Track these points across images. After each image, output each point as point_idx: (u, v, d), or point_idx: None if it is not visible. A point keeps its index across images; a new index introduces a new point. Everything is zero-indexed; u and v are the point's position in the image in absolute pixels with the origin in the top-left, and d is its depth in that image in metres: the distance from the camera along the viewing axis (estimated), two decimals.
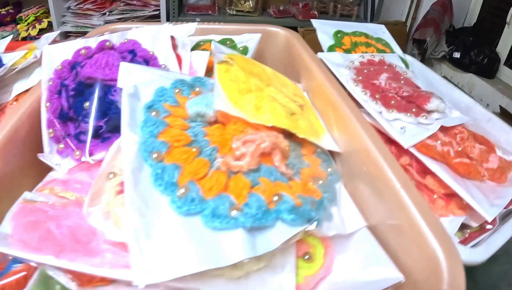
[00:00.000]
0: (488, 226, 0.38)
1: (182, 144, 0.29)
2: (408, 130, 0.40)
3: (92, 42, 0.42)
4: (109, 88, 0.36)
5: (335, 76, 0.45)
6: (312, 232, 0.28)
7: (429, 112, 0.43)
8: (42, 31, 1.53)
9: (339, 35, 0.50)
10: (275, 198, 0.26)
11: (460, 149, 0.42)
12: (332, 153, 0.36)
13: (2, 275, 0.25)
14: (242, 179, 0.27)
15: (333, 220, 0.29)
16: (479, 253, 0.32)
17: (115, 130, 0.34)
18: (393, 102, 0.43)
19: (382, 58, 0.50)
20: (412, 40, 1.48)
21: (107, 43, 0.42)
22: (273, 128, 0.31)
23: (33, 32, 1.51)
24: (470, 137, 0.44)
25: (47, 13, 1.56)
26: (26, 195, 0.29)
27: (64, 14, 1.55)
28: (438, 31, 1.40)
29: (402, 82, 0.47)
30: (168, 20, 1.56)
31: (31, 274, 0.25)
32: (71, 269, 0.23)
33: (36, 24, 1.54)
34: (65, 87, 0.38)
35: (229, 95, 0.32)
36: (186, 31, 0.45)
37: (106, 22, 1.48)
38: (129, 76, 0.34)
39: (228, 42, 0.48)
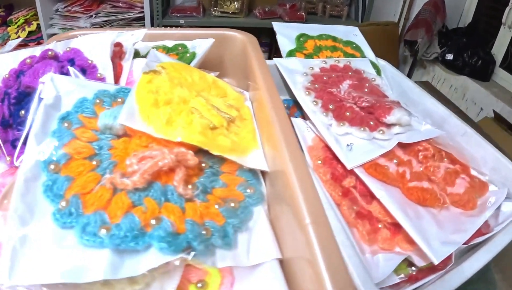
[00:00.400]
0: (440, 265, 0.34)
1: (83, 156, 0.28)
2: (356, 147, 0.36)
3: (38, 51, 0.42)
4: None
5: (289, 84, 0.42)
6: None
7: (389, 125, 0.39)
8: (31, 34, 1.54)
9: (301, 39, 0.47)
10: (153, 221, 0.24)
11: (421, 169, 0.37)
12: (264, 173, 0.33)
13: None
14: (122, 198, 0.25)
15: (232, 249, 0.26)
16: None
17: None
18: (348, 113, 0.38)
19: (348, 63, 0.45)
20: (404, 41, 1.40)
21: (49, 52, 0.41)
22: (184, 145, 0.29)
23: (22, 35, 1.53)
24: (436, 155, 0.39)
25: (36, 15, 1.55)
26: None
27: (52, 16, 1.54)
28: (429, 32, 1.29)
29: (366, 90, 0.42)
30: (152, 22, 1.53)
31: None
32: None
33: (26, 27, 1.55)
34: (8, 95, 0.38)
35: (141, 107, 0.31)
36: (133, 38, 0.44)
37: (93, 25, 1.49)
38: (53, 87, 0.33)
39: (180, 48, 0.46)
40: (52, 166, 0.27)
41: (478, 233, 0.36)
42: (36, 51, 0.42)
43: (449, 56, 1.31)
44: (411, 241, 0.32)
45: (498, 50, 1.36)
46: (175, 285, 0.24)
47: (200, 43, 0.45)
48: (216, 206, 0.28)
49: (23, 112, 0.35)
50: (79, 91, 0.33)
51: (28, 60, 0.41)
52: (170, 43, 0.47)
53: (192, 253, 0.24)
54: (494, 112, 1.14)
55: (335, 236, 0.24)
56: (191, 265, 0.26)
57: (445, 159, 0.39)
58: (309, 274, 0.24)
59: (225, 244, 0.26)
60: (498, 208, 0.38)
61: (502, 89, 1.31)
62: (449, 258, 0.33)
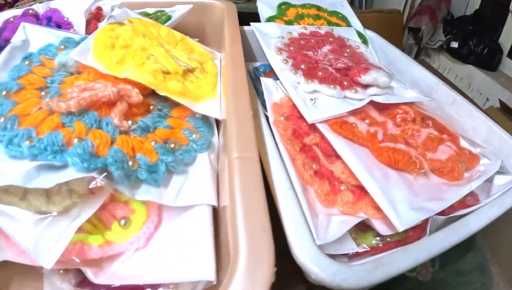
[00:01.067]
0: (413, 237, 0.29)
1: (34, 87, 0.29)
2: (322, 102, 0.33)
3: (21, 11, 0.44)
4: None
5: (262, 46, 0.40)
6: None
7: (365, 86, 0.36)
8: None
9: (283, 7, 0.45)
10: (75, 140, 0.23)
11: (398, 133, 0.33)
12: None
13: None
14: (53, 118, 0.25)
15: (160, 187, 0.24)
16: (351, 274, 0.21)
17: None
18: (320, 73, 0.36)
19: (330, 30, 0.43)
20: (408, 29, 1.33)
21: (30, 11, 0.43)
22: (131, 83, 0.28)
23: None
24: (418, 119, 0.35)
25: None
26: None
27: None
28: (434, 19, 1.21)
29: (346, 55, 0.40)
30: None
31: None
32: None
33: None
34: None
35: (96, 47, 0.30)
36: (112, 3, 0.45)
37: None
38: (23, 34, 0.35)
39: (159, 14, 0.46)
40: (3, 92, 0.28)
41: (463, 204, 0.32)
42: (19, 11, 0.44)
43: (454, 44, 1.23)
44: (378, 207, 0.29)
45: (506, 39, 1.26)
46: (89, 214, 0.22)
47: (178, 7, 0.45)
48: (152, 143, 0.26)
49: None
50: (47, 38, 0.35)
51: (11, 19, 0.43)
52: (151, 10, 0.47)
53: (104, 174, 0.22)
54: (500, 101, 1.06)
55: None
56: (119, 201, 0.25)
57: (431, 127, 0.35)
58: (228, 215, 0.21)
59: (152, 179, 0.24)
60: (491, 181, 0.33)
61: (509, 79, 1.22)
62: (422, 229, 0.29)
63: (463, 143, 0.36)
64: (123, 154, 0.24)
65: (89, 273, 0.22)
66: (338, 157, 0.31)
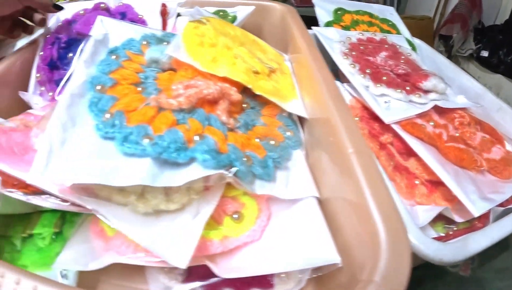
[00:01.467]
0: (478, 225, 0.33)
1: (128, 82, 0.29)
2: (394, 105, 0.36)
3: (91, 4, 0.45)
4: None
5: (327, 50, 0.43)
6: (244, 190, 0.26)
7: (426, 91, 0.39)
8: None
9: (339, 12, 0.48)
10: (196, 138, 0.24)
11: (457, 135, 0.37)
12: (302, 123, 0.34)
13: None
14: (168, 115, 0.25)
15: (271, 182, 0.26)
16: (448, 250, 0.25)
17: None
18: (384, 78, 0.39)
19: (384, 37, 0.46)
20: (439, 36, 1.37)
21: (102, 5, 0.44)
22: (228, 81, 0.30)
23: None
24: (472, 123, 0.39)
25: None
26: None
27: None
28: (465, 27, 1.26)
29: (402, 61, 0.43)
30: None
31: None
32: None
33: None
34: (58, 40, 0.40)
35: (188, 45, 0.31)
36: (177, 1, 0.47)
37: None
38: (102, 28, 0.34)
39: (221, 13, 0.48)
40: (98, 87, 0.27)
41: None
42: (89, 4, 0.45)
43: (484, 53, 1.28)
44: (449, 199, 0.32)
45: None
46: (211, 209, 0.23)
47: (241, 9, 0.47)
48: (257, 140, 0.28)
49: (71, 54, 0.38)
50: (127, 32, 0.35)
51: (82, 12, 0.44)
52: (211, 9, 0.49)
53: (234, 169, 0.23)
54: None
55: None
56: (227, 196, 0.26)
57: (481, 130, 0.39)
58: (352, 206, 0.23)
59: (265, 174, 0.26)
60: None
61: None
62: (486, 217, 0.33)
63: (508, 147, 0.40)
64: (239, 150, 0.25)
65: (214, 267, 0.23)
66: (409, 154, 0.35)
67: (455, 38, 1.27)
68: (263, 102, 0.32)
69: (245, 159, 0.26)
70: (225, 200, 0.26)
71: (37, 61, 0.39)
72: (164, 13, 0.46)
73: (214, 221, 0.25)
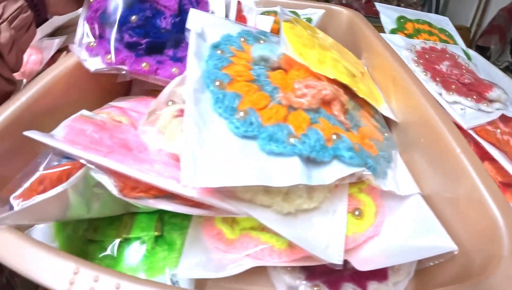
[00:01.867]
0: None
1: (244, 79, 0.29)
2: (468, 113, 0.39)
3: None
4: (158, 13, 0.36)
5: None
6: (364, 187, 0.28)
7: (491, 101, 0.43)
8: None
9: (402, 20, 0.51)
10: (334, 136, 0.25)
11: None
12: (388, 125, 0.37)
13: (44, 168, 0.24)
14: (302, 114, 0.26)
15: (387, 178, 0.28)
16: None
17: (150, 52, 0.35)
18: (453, 86, 0.42)
19: (444, 47, 0.49)
20: (475, 47, 1.38)
21: None
22: (335, 82, 0.31)
23: None
24: None
25: None
26: (83, 112, 0.30)
27: None
28: (503, 40, 1.29)
29: (464, 71, 0.46)
30: None
31: (73, 173, 0.23)
32: (117, 170, 0.22)
33: None
34: None
35: (294, 46, 0.32)
36: None
37: None
38: (197, 21, 0.34)
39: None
40: (217, 83, 0.27)
41: None
42: None
43: None
44: None
45: None
46: (346, 205, 0.25)
47: (312, 11, 0.49)
48: (367, 140, 0.29)
49: (134, 17, 0.35)
50: (221, 27, 0.35)
51: None
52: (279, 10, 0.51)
53: (371, 166, 0.25)
54: None
55: None
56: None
57: None
58: (463, 202, 0.26)
59: (383, 172, 0.27)
60: None
61: None
62: None
63: None
64: (369, 152, 0.27)
65: (353, 261, 0.24)
66: (483, 158, 0.38)
67: (493, 49, 1.30)
68: (359, 104, 0.35)
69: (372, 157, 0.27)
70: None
71: (86, 8, 0.36)
72: (239, 10, 0.47)
73: None
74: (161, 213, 0.28)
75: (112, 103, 0.36)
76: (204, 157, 0.22)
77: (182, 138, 0.23)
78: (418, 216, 0.28)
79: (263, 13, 0.49)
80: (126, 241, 0.27)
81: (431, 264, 0.26)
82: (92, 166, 0.23)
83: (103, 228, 0.28)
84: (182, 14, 0.37)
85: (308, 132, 0.25)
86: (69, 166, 0.24)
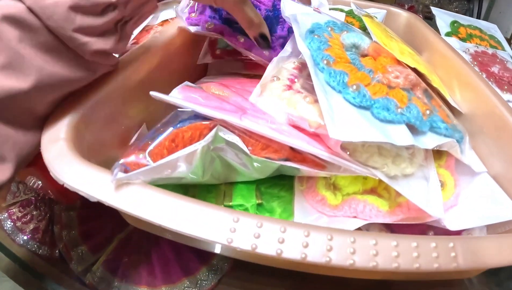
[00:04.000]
0: None
1: (343, 61, 0.32)
2: None
3: None
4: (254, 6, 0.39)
5: None
6: (442, 164, 0.32)
7: None
8: None
9: (455, 25, 0.56)
10: (428, 112, 0.29)
11: None
12: None
13: (175, 128, 0.26)
14: (400, 92, 0.30)
15: (465, 154, 0.32)
16: None
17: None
18: (506, 87, 0.47)
19: (495, 52, 0.55)
20: None
21: None
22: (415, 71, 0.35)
23: None
24: None
25: None
26: (187, 83, 0.33)
27: None
28: None
29: None
30: None
31: (205, 133, 0.25)
32: (253, 130, 0.25)
33: None
34: None
35: (379, 37, 0.36)
36: None
37: None
38: (290, 9, 0.38)
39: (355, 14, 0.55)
40: (325, 61, 0.31)
41: None
42: None
43: None
44: None
45: None
46: (436, 174, 0.29)
47: (375, 11, 0.55)
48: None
49: None
50: (311, 16, 0.38)
51: None
52: (345, 8, 0.56)
53: (463, 139, 0.30)
54: None
55: None
56: None
57: None
58: None
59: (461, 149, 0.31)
60: None
61: None
62: None
63: None
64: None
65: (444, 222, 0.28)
66: None
67: None
68: (429, 94, 0.40)
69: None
70: None
71: None
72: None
73: None
74: (258, 183, 0.31)
75: (204, 80, 0.41)
76: (339, 117, 0.25)
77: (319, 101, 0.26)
78: (488, 190, 0.31)
79: (331, 9, 0.54)
80: None
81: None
82: (222, 127, 0.25)
83: (201, 197, 0.30)
84: (274, 11, 0.42)
85: (409, 105, 0.29)
86: (201, 127, 0.26)
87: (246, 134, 0.26)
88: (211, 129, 0.25)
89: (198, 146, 0.24)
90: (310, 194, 0.29)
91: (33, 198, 0.42)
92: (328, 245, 0.18)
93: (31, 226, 0.39)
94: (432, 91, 0.37)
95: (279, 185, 0.31)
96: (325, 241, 0.18)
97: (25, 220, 0.40)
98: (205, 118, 0.25)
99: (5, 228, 0.39)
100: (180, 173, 0.24)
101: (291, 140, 0.26)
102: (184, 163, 0.24)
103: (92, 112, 0.29)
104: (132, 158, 0.24)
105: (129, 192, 0.21)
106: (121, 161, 0.24)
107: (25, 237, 0.38)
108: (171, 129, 0.25)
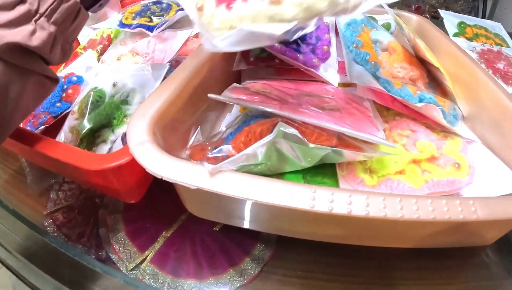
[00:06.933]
0: None
1: (369, 47, 0.43)
2: None
3: None
4: None
5: None
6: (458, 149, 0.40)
7: None
8: None
9: (462, 25, 0.62)
10: (418, 92, 0.39)
11: None
12: None
13: (247, 125, 0.32)
14: (398, 80, 0.40)
15: (456, 126, 0.40)
16: None
17: None
18: (511, 81, 0.54)
19: (500, 49, 0.61)
20: None
21: None
22: (419, 68, 0.44)
23: None
24: None
25: None
26: (235, 84, 0.43)
27: None
28: None
29: None
30: None
31: (271, 129, 0.31)
32: (292, 117, 0.32)
33: None
34: None
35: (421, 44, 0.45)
36: None
37: None
38: None
39: (370, 19, 0.62)
40: (354, 45, 0.42)
41: None
42: None
43: None
44: None
45: None
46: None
47: (389, 17, 0.62)
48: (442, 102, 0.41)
49: None
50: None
51: None
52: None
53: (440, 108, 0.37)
54: None
55: None
56: (448, 154, 0.38)
57: None
58: None
59: (452, 121, 0.40)
60: None
61: None
62: None
63: None
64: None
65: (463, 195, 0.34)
66: None
67: None
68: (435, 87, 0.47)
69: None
70: (447, 156, 0.38)
71: None
72: None
73: (441, 168, 0.37)
74: (303, 173, 0.36)
75: (247, 82, 0.48)
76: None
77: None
78: (496, 168, 0.38)
79: None
80: None
81: None
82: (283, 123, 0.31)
83: None
84: None
85: (403, 87, 0.39)
86: (268, 123, 0.32)
87: (302, 126, 0.32)
88: (275, 124, 0.31)
89: (269, 138, 0.29)
90: (351, 178, 0.36)
91: (76, 204, 0.44)
92: (383, 204, 0.25)
93: (76, 231, 0.41)
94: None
95: (321, 174, 0.37)
96: (380, 201, 0.25)
97: (69, 225, 0.42)
98: (268, 116, 0.32)
99: (50, 234, 0.40)
100: (256, 161, 0.30)
101: (323, 123, 0.32)
102: (259, 152, 0.30)
103: (162, 117, 0.35)
104: (215, 152, 0.31)
105: (223, 178, 0.27)
106: (208, 155, 0.30)
107: (71, 242, 0.40)
108: (244, 126, 0.32)
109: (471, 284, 0.36)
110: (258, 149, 0.30)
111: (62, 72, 0.57)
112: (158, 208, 0.43)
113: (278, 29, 0.25)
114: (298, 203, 0.25)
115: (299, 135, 0.30)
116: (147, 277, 0.36)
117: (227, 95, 0.38)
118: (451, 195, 0.35)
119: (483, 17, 0.95)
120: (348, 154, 0.32)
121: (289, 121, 0.32)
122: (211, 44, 0.26)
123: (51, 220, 0.42)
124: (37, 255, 0.41)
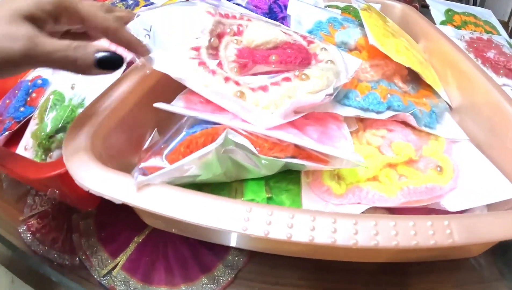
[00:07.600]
0: None
1: None
2: None
3: None
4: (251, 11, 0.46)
5: None
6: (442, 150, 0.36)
7: None
8: None
9: (449, 13, 0.58)
10: (389, 96, 0.35)
11: None
12: None
13: (188, 135, 0.28)
14: (365, 84, 0.37)
15: (435, 127, 0.36)
16: None
17: None
18: (502, 71, 0.50)
19: (490, 37, 0.57)
20: None
21: None
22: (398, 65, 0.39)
23: None
24: None
25: None
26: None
27: None
28: None
29: (510, 57, 0.54)
30: None
31: (215, 137, 0.27)
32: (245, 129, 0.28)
33: None
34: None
35: (375, 35, 0.39)
36: None
37: None
38: (295, 9, 0.45)
39: (351, 8, 0.58)
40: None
41: None
42: None
43: None
44: None
45: None
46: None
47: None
48: (424, 99, 0.38)
49: None
50: (314, 14, 0.45)
51: None
52: (341, 4, 0.59)
53: (412, 111, 0.34)
54: None
55: None
56: (429, 156, 0.35)
57: None
58: None
59: (431, 122, 0.36)
60: None
61: None
62: None
63: None
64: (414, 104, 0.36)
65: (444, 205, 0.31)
66: None
67: None
68: (417, 85, 0.43)
69: (418, 109, 0.36)
70: (428, 158, 0.34)
71: None
72: None
73: (420, 172, 0.33)
74: (266, 179, 0.34)
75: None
76: None
77: None
78: (485, 171, 0.34)
79: (327, 6, 0.57)
80: None
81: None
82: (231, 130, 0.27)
83: (214, 194, 0.29)
84: (271, 14, 0.46)
85: (368, 95, 0.35)
86: (212, 132, 0.28)
87: (253, 135, 0.28)
88: (219, 134, 0.27)
89: (210, 148, 0.26)
90: (316, 186, 0.32)
91: (50, 209, 0.43)
92: (332, 228, 0.21)
93: (50, 236, 0.40)
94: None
95: (286, 179, 0.34)
96: (329, 224, 0.21)
97: (44, 231, 0.41)
98: (215, 122, 0.28)
99: (25, 240, 0.40)
100: (194, 173, 0.27)
101: (277, 134, 0.28)
102: (198, 164, 0.27)
103: (107, 120, 0.32)
104: (150, 162, 0.27)
105: (150, 193, 0.24)
106: (140, 165, 0.27)
107: (45, 247, 0.39)
108: (185, 134, 0.28)
109: (463, 288, 0.35)
110: (196, 160, 0.26)
111: (29, 75, 0.53)
112: (129, 213, 0.41)
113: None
114: (229, 224, 0.22)
115: (248, 145, 0.27)
116: (118, 283, 0.35)
117: (176, 104, 0.33)
118: (433, 203, 0.31)
119: (475, 4, 0.90)
120: (310, 165, 0.28)
121: (239, 129, 0.28)
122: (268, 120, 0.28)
123: (25, 227, 0.42)
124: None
